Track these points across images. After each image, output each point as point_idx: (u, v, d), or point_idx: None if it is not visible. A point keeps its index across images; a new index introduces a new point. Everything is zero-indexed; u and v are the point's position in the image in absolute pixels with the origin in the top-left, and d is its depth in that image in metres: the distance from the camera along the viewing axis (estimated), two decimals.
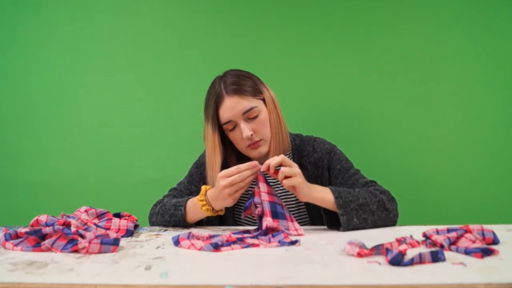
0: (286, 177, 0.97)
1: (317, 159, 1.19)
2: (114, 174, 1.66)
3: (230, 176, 0.97)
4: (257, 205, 0.97)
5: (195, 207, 1.05)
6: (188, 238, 0.86)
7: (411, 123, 1.59)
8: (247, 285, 0.61)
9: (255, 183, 1.00)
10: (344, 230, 0.98)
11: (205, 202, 1.03)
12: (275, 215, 0.95)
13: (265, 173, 1.00)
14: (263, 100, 1.15)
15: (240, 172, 0.97)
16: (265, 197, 0.97)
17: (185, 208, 1.06)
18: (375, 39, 1.60)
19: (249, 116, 1.11)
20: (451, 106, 1.58)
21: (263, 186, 0.98)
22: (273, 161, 0.97)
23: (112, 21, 1.68)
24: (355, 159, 1.23)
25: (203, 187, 1.05)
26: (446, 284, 0.60)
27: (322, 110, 1.62)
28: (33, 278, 0.65)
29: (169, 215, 1.08)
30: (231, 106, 1.10)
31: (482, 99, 1.57)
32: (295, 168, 0.98)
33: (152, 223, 1.14)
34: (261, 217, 0.96)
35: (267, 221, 0.93)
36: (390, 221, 1.03)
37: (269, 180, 1.03)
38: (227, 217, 1.17)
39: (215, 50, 1.64)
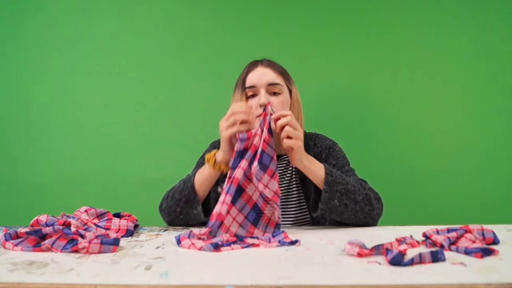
0: (288, 137, 0.98)
1: (316, 153, 1.21)
2: (114, 174, 1.66)
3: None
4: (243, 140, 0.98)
5: (201, 171, 1.07)
6: (188, 237, 0.86)
7: (411, 123, 1.59)
8: (247, 285, 0.61)
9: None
10: (321, 208, 0.98)
11: (211, 155, 1.05)
12: (259, 162, 0.94)
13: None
14: (290, 91, 1.18)
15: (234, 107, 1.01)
16: (260, 143, 0.96)
17: (193, 178, 1.06)
18: (375, 39, 1.60)
19: (272, 90, 1.14)
20: (451, 106, 1.58)
21: (264, 132, 0.97)
22: (282, 118, 0.98)
23: (112, 21, 1.68)
24: (355, 159, 1.23)
25: (214, 150, 1.07)
26: (446, 284, 0.60)
27: (322, 110, 1.62)
28: (33, 278, 0.65)
29: (179, 192, 1.07)
30: (260, 73, 1.15)
31: (482, 99, 1.57)
32: (298, 132, 0.99)
33: (163, 210, 1.11)
34: (242, 152, 0.97)
35: (253, 166, 0.93)
36: (371, 217, 1.02)
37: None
38: None
39: (215, 50, 1.64)
